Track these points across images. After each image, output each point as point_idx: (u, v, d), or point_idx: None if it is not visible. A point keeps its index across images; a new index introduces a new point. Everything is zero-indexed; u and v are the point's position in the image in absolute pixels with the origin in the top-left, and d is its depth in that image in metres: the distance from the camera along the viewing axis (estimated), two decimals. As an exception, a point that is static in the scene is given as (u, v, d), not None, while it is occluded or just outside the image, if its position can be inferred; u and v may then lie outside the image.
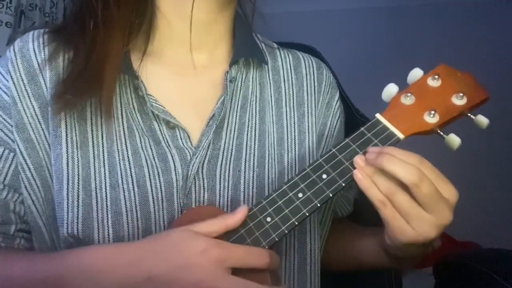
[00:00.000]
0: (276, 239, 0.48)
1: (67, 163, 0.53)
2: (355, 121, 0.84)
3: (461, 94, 0.50)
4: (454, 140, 0.49)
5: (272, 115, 0.62)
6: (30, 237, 0.56)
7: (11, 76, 0.54)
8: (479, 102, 0.50)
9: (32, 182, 0.54)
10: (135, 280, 0.44)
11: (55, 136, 0.53)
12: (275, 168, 0.59)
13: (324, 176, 0.50)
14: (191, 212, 0.52)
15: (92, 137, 0.54)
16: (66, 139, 0.53)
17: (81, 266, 0.45)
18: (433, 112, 0.50)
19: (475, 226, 1.67)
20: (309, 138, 0.62)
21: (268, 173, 0.58)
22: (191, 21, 0.58)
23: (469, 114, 0.50)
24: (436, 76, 0.52)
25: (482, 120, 0.49)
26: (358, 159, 0.47)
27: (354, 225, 0.70)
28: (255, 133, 0.60)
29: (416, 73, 0.53)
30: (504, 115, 1.73)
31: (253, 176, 0.57)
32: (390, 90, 0.53)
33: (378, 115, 0.52)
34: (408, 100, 0.51)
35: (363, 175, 0.46)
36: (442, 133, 0.50)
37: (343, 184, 0.49)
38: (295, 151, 0.61)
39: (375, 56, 1.89)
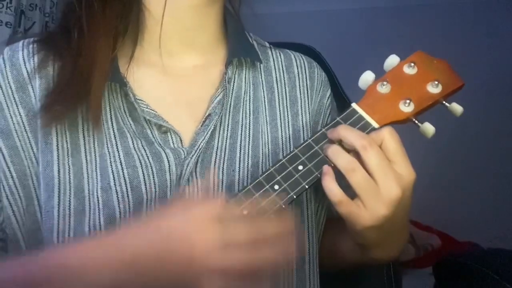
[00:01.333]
0: None
1: (58, 171, 0.52)
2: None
3: (436, 82, 0.50)
4: (428, 128, 0.49)
5: (266, 115, 0.62)
6: (6, 247, 0.55)
7: None
8: (454, 90, 0.51)
9: (14, 191, 0.53)
10: (120, 269, 0.42)
11: (45, 143, 0.53)
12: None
13: (300, 167, 0.49)
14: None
15: (84, 143, 0.53)
16: (57, 146, 0.53)
17: (66, 266, 0.44)
18: (408, 101, 0.50)
19: (475, 226, 1.67)
20: (303, 136, 0.62)
21: (262, 172, 0.58)
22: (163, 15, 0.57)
23: (444, 102, 0.50)
24: (412, 64, 0.51)
25: (457, 108, 0.49)
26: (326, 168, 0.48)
27: (340, 222, 0.70)
28: (249, 132, 0.59)
29: (392, 60, 0.53)
30: (503, 114, 1.73)
31: (247, 175, 0.57)
32: (367, 78, 0.52)
33: (354, 104, 0.51)
34: (384, 88, 0.51)
35: (329, 171, 0.47)
36: (417, 122, 0.50)
37: (319, 176, 0.49)
38: (290, 150, 0.60)
39: (374, 56, 1.89)
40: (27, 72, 0.55)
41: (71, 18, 0.55)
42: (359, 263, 0.61)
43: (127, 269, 0.42)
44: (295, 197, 0.49)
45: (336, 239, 0.64)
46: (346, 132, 0.47)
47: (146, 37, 0.59)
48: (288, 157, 0.50)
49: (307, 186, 0.49)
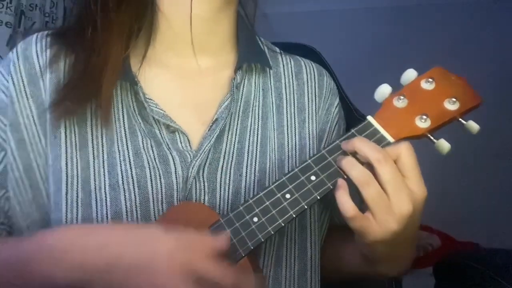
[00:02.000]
0: (262, 240, 0.48)
1: (66, 164, 0.53)
2: (354, 121, 0.84)
3: (454, 99, 0.50)
4: (444, 145, 0.49)
5: (273, 121, 0.61)
6: (12, 233, 0.56)
7: (11, 77, 0.55)
8: (471, 108, 0.50)
9: (19, 182, 0.54)
10: (97, 265, 0.42)
11: (54, 137, 0.53)
12: (276, 174, 0.59)
13: (313, 177, 0.49)
14: (177, 208, 0.52)
15: (92, 138, 0.54)
16: (65, 140, 0.53)
17: (49, 246, 0.44)
18: (424, 116, 0.49)
19: (475, 226, 1.67)
20: (309, 144, 0.62)
21: (269, 178, 0.58)
22: (190, 19, 0.57)
23: (460, 119, 0.50)
24: (430, 79, 0.51)
25: (473, 125, 0.49)
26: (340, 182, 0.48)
27: (344, 231, 0.70)
28: (257, 138, 0.59)
29: (410, 74, 0.52)
30: (504, 115, 1.73)
31: (254, 181, 0.57)
32: (383, 91, 0.52)
33: (369, 117, 0.51)
34: (400, 102, 0.51)
35: (343, 185, 0.47)
36: (432, 138, 0.50)
37: (331, 187, 0.48)
38: (295, 157, 0.60)
39: (375, 56, 1.89)
40: (39, 66, 0.55)
41: (86, 15, 0.56)
42: (363, 275, 0.61)
43: (103, 268, 0.42)
44: (306, 207, 0.48)
45: (340, 249, 0.64)
46: (361, 144, 0.47)
47: (158, 38, 0.59)
48: (301, 166, 0.49)
49: (318, 197, 0.48)
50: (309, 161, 0.50)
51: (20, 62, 0.55)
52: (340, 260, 0.64)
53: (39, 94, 0.55)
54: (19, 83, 0.55)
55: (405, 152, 0.46)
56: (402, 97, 0.51)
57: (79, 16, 0.57)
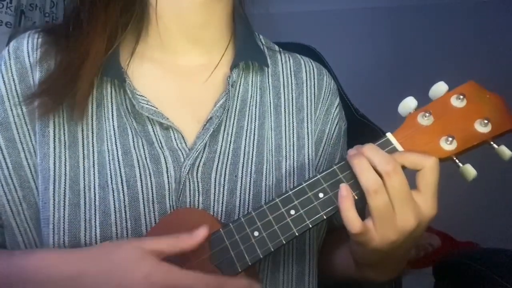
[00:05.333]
0: (261, 256, 0.45)
1: (54, 163, 0.52)
2: (354, 121, 0.84)
3: (486, 121, 0.45)
4: (469, 171, 0.45)
5: (271, 121, 0.60)
6: (2, 231, 0.55)
7: (2, 76, 0.55)
8: (504, 132, 0.46)
9: (9, 181, 0.53)
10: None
11: (42, 135, 0.53)
12: (272, 175, 0.57)
13: (321, 195, 0.46)
14: (179, 213, 0.51)
15: (82, 137, 0.54)
16: (54, 139, 0.53)
17: (26, 273, 0.46)
18: (450, 138, 0.45)
19: (475, 226, 1.67)
20: (307, 145, 0.61)
21: (266, 179, 0.57)
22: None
23: (491, 143, 0.45)
24: (461, 96, 0.46)
25: (505, 151, 0.45)
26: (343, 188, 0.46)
27: (339, 233, 0.67)
28: (253, 138, 0.58)
29: (439, 88, 0.48)
30: None
31: (250, 182, 0.56)
32: (408, 104, 0.48)
33: (389, 135, 0.47)
34: (425, 120, 0.46)
35: (348, 195, 0.45)
36: (458, 161, 0.46)
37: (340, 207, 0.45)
38: (293, 158, 0.59)
39: (375, 56, 1.89)
40: (30, 64, 0.55)
41: (73, 11, 0.56)
42: (351, 279, 0.60)
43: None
44: (310, 226, 0.45)
45: (331, 253, 0.63)
46: (371, 153, 0.45)
47: (150, 32, 0.58)
48: (309, 181, 0.47)
49: (325, 216, 0.45)
50: (319, 176, 0.47)
51: (12, 61, 0.55)
52: (332, 265, 0.63)
53: (29, 93, 0.54)
54: (10, 82, 0.54)
55: (430, 167, 0.44)
56: (427, 114, 0.46)
57: (67, 14, 0.57)
